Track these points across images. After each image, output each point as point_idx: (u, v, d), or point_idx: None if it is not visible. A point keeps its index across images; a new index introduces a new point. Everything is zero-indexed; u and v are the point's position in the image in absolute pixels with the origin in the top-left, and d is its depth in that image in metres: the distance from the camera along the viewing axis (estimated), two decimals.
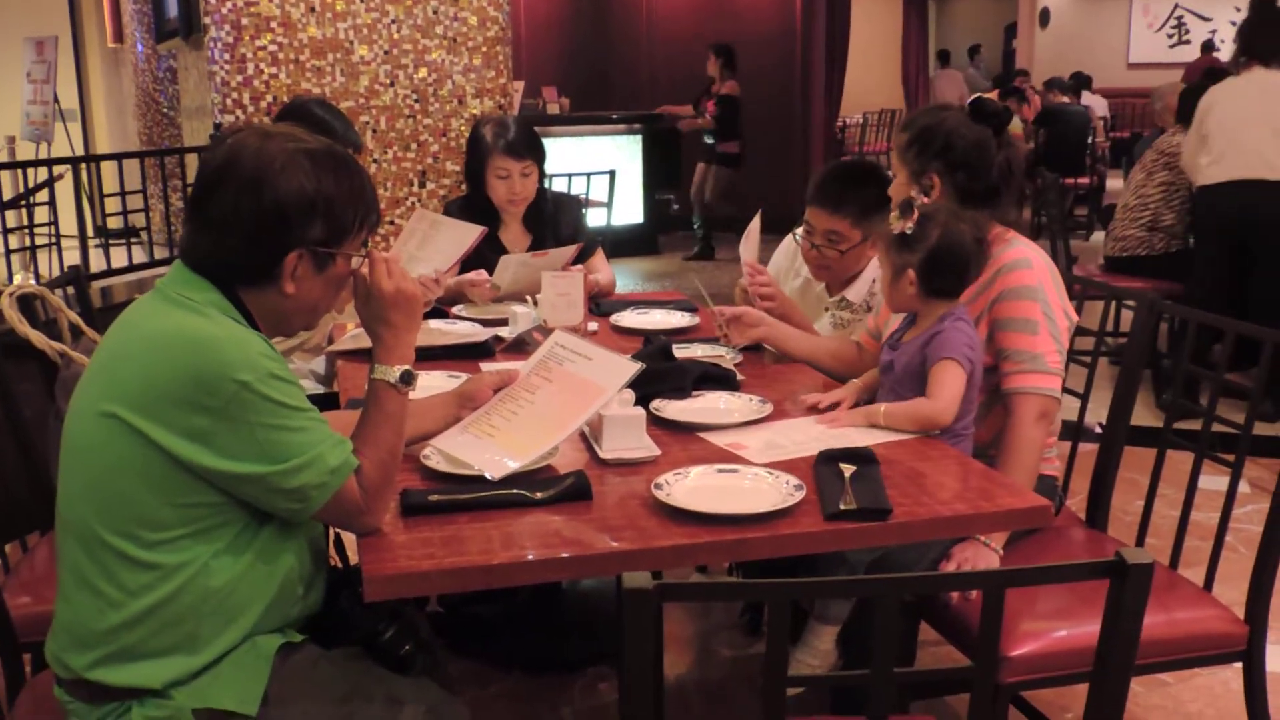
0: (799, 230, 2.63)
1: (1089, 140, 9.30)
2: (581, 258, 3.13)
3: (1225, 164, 4.41)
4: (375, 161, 5.71)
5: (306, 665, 1.53)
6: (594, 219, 3.85)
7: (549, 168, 3.29)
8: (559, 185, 4.16)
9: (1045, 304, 2.10)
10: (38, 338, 2.31)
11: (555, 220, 3.24)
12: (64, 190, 5.27)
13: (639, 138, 8.76)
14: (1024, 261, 2.13)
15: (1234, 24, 13.19)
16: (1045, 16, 14.26)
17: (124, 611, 1.44)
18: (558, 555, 1.50)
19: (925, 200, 2.07)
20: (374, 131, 5.70)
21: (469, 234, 2.86)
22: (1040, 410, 2.07)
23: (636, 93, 10.06)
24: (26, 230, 5.40)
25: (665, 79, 10.05)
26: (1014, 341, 2.09)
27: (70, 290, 2.76)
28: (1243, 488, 2.07)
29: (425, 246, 2.87)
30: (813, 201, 2.58)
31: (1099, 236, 7.77)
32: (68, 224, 5.31)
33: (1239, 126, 4.39)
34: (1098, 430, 2.42)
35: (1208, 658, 1.99)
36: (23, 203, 5.33)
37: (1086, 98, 10.79)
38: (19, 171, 5.40)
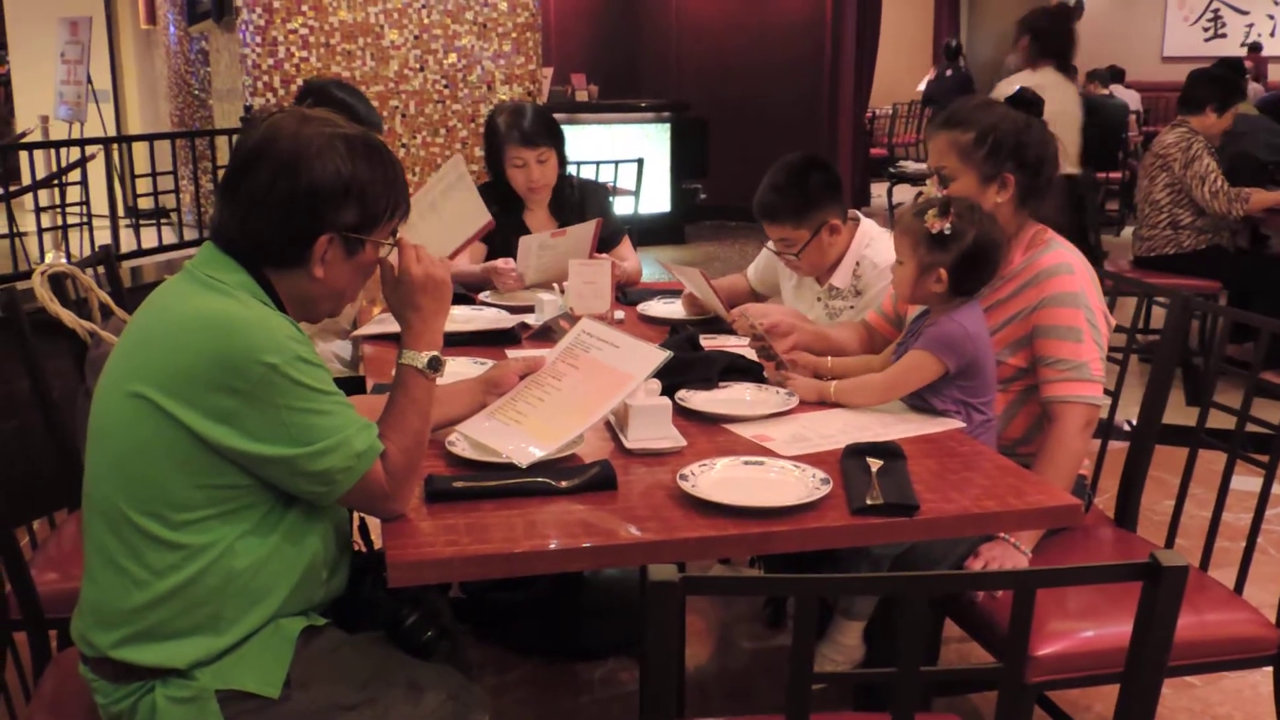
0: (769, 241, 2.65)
1: (1124, 135, 9.18)
2: (608, 246, 3.13)
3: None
4: (404, 146, 5.71)
5: (329, 649, 1.53)
6: (621, 207, 3.84)
7: (576, 155, 3.26)
8: (586, 173, 4.15)
9: (1088, 310, 2.08)
10: (68, 316, 2.32)
11: (581, 207, 3.23)
12: (96, 170, 5.30)
13: (667, 126, 8.73)
14: (1065, 266, 2.11)
15: (1271, 17, 13.06)
16: (1079, 8, 14.10)
17: (149, 591, 1.44)
18: (581, 544, 1.49)
19: (942, 193, 2.05)
20: (403, 116, 5.70)
21: (477, 220, 2.85)
22: (1086, 420, 2.06)
23: (665, 81, 10.02)
24: (59, 209, 5.43)
25: (694, 68, 10.02)
26: (1057, 349, 2.07)
27: (101, 270, 2.77)
28: (1275, 489, 2.04)
29: (445, 198, 2.86)
30: (755, 217, 2.59)
31: (1130, 232, 7.69)
32: (99, 204, 5.35)
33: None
34: (1125, 428, 2.39)
35: (1237, 661, 1.96)
36: (55, 182, 5.36)
37: (1120, 91, 10.66)
38: (52, 151, 5.42)
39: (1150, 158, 4.92)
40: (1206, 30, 13.70)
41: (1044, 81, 4.70)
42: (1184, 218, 4.79)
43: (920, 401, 1.99)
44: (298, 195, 1.48)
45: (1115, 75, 11.25)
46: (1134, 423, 2.32)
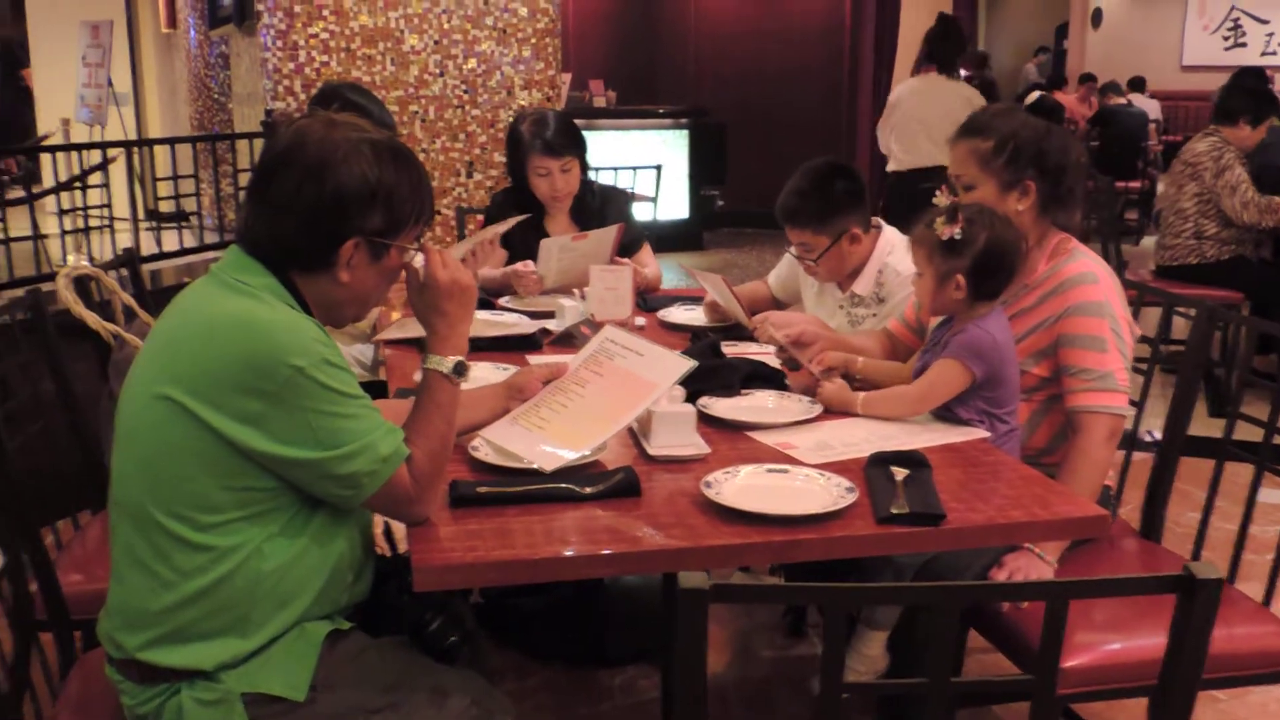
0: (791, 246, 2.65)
1: (1143, 144, 9.14)
2: (629, 252, 3.13)
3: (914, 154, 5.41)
4: (423, 151, 5.73)
5: (353, 653, 1.53)
6: (639, 213, 3.84)
7: (593, 161, 3.26)
8: (604, 179, 4.15)
9: (1113, 320, 2.07)
10: (92, 319, 2.33)
11: (601, 213, 3.23)
12: (117, 173, 5.33)
13: (685, 132, 8.73)
14: (1090, 276, 2.10)
15: None
16: (1098, 17, 14.02)
17: (177, 592, 1.44)
18: (604, 551, 1.49)
19: (955, 199, 2.04)
20: (422, 121, 5.72)
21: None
22: (1110, 430, 2.04)
23: (683, 87, 10.03)
24: (80, 212, 5.47)
25: (711, 73, 10.02)
26: (1082, 359, 2.06)
27: (124, 272, 2.78)
28: None
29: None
30: (777, 220, 2.58)
31: (1149, 241, 7.65)
32: (120, 206, 5.38)
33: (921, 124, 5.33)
34: (1148, 439, 2.37)
35: (1265, 675, 1.94)
36: (77, 184, 5.40)
37: (1139, 100, 10.61)
38: (73, 154, 5.47)
39: (1179, 166, 4.88)
40: (1226, 39, 13.62)
41: (925, 85, 5.36)
42: (1209, 228, 4.75)
43: (945, 411, 1.98)
44: (324, 199, 1.48)
45: (1136, 84, 11.20)
46: (1155, 434, 2.31)
